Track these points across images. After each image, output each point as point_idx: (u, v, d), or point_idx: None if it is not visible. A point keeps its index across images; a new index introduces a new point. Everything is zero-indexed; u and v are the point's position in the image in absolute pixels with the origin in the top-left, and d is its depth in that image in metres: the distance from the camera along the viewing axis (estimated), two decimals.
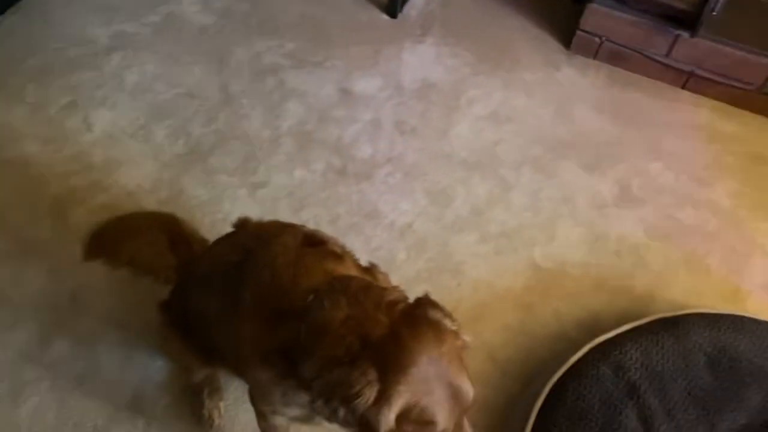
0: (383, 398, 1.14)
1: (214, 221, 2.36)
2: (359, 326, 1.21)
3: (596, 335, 2.07)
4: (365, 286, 1.31)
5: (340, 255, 1.48)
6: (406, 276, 2.27)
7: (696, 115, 2.94)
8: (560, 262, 2.43)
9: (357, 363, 1.16)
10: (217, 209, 2.40)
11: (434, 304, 1.28)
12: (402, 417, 1.15)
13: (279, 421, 1.60)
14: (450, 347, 1.21)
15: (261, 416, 1.61)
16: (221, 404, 1.97)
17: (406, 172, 2.60)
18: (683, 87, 3.01)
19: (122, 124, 2.61)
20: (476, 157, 2.68)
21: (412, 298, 1.32)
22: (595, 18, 2.96)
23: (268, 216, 1.94)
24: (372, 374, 1.14)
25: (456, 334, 1.25)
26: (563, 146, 2.76)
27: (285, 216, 2.33)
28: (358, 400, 1.14)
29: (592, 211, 2.58)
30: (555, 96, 2.94)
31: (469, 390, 1.20)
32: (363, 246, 2.33)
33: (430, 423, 1.15)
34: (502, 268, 2.40)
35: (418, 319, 1.23)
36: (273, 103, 2.74)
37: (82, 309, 2.14)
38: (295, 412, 1.46)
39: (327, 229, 1.57)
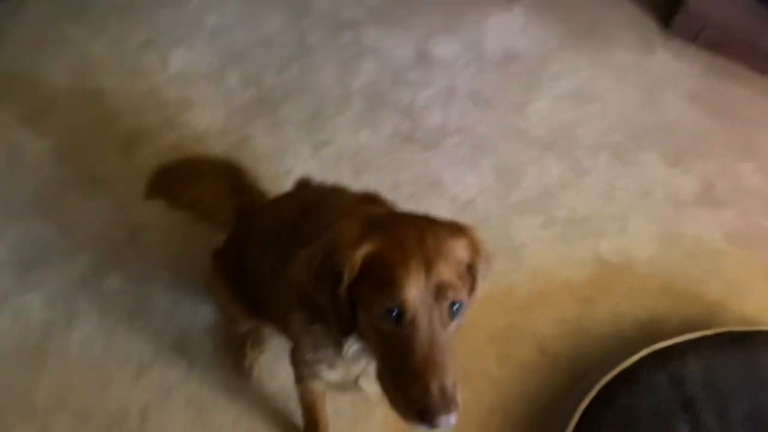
0: (356, 241, 1.11)
1: (276, 174, 2.34)
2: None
3: (655, 340, 1.95)
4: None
5: None
6: None
7: None
8: (627, 258, 2.30)
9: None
10: (280, 162, 2.38)
11: None
12: (366, 269, 1.10)
13: (317, 385, 1.58)
14: (443, 235, 1.13)
15: (299, 379, 1.59)
16: (262, 358, 1.97)
17: (475, 144, 2.50)
18: None
19: (198, 66, 2.60)
20: (552, 137, 2.54)
21: None
22: None
23: (328, 175, 1.91)
24: (357, 225, 1.14)
25: (459, 235, 1.16)
26: (647, 134, 2.59)
27: (345, 178, 2.28)
28: (335, 237, 1.13)
29: (669, 207, 2.42)
30: (646, 80, 2.74)
31: (442, 273, 1.08)
32: None
33: (388, 281, 1.07)
34: (565, 257, 2.28)
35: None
36: (347, 59, 2.67)
37: (139, 247, 2.17)
38: (330, 375, 1.43)
39: (386, 196, 1.50)
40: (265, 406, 1.94)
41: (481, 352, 2.06)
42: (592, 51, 2.81)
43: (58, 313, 2.04)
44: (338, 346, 1.29)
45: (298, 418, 1.83)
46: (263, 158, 2.38)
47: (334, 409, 1.92)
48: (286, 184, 2.31)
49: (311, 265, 1.17)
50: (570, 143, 2.54)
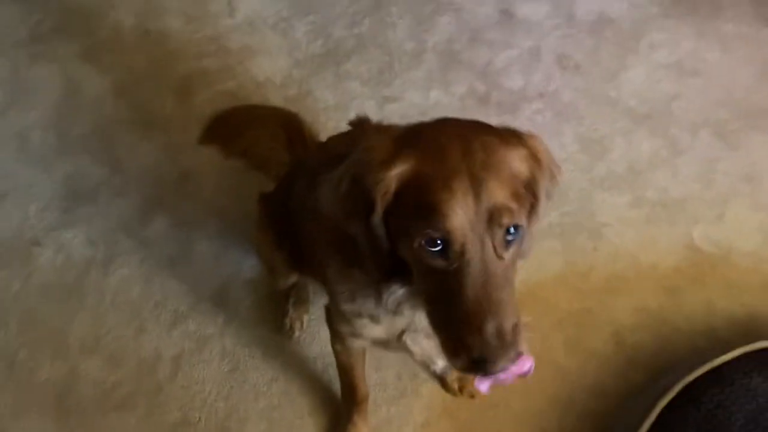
0: (388, 159, 0.92)
1: (337, 128, 2.16)
2: None
3: (753, 340, 1.67)
4: None
5: None
6: None
7: None
8: (725, 248, 2.02)
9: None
10: (342, 116, 2.22)
11: None
12: (403, 192, 0.91)
13: (356, 344, 1.40)
14: (494, 144, 0.91)
15: (337, 337, 1.42)
16: (305, 317, 1.82)
17: (558, 111, 2.26)
18: None
19: (265, 14, 2.47)
20: (646, 109, 2.28)
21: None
22: None
23: None
24: (388, 140, 0.95)
25: (515, 144, 0.95)
26: (758, 114, 2.28)
27: None
28: (362, 156, 0.95)
29: None
30: (760, 55, 2.43)
31: (494, 194, 0.88)
32: None
33: (429, 206, 0.88)
34: (652, 241, 2.02)
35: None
36: (424, 15, 2.48)
37: (187, 192, 2.06)
38: (371, 331, 1.25)
39: None
40: (304, 369, 1.79)
41: (547, 336, 1.84)
42: (698, 20, 2.51)
43: (100, 252, 1.95)
44: (378, 292, 1.10)
45: (337, 385, 1.66)
46: (325, 111, 2.24)
47: (379, 380, 1.76)
48: None
49: (338, 191, 0.98)
50: (666, 118, 2.27)
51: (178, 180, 2.08)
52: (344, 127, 2.15)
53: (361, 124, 1.63)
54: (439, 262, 0.90)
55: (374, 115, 2.17)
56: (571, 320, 1.87)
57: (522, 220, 0.91)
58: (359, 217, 0.96)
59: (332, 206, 1.01)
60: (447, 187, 0.87)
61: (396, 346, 1.26)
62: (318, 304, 1.84)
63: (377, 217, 0.94)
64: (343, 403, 1.65)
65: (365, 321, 1.22)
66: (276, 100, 2.23)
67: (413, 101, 2.27)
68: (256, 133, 1.85)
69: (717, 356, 1.63)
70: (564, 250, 2.00)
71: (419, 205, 0.89)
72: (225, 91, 2.25)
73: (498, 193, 0.88)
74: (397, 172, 0.91)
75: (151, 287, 1.89)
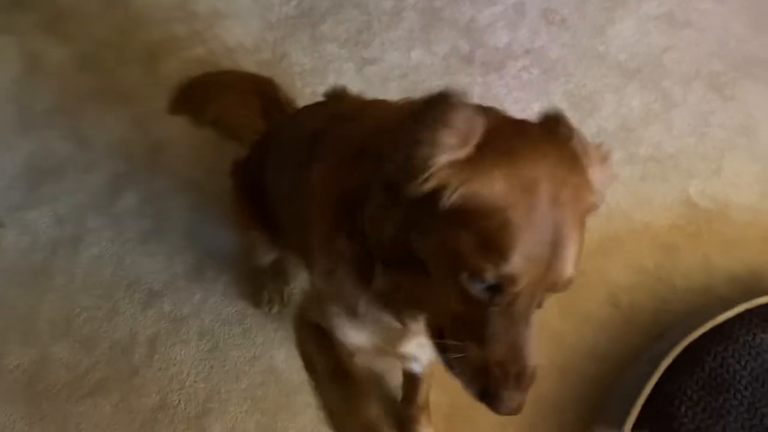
0: (465, 164, 0.78)
1: (314, 93, 2.08)
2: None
3: (755, 297, 1.61)
4: None
5: None
6: None
7: None
8: (722, 203, 1.95)
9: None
10: (319, 80, 2.11)
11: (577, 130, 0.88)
12: (467, 214, 0.78)
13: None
14: (580, 186, 0.81)
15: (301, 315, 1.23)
16: (285, 290, 1.74)
17: (545, 68, 2.16)
18: None
19: None
20: (636, 63, 2.18)
21: None
22: None
23: (373, 96, 1.63)
24: (475, 131, 0.79)
25: (591, 186, 0.84)
26: (752, 65, 2.20)
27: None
28: (433, 140, 0.78)
29: None
30: (753, 3, 2.33)
31: (568, 263, 0.80)
32: None
33: (501, 249, 0.76)
34: (647, 199, 1.95)
35: (556, 133, 0.86)
36: None
37: (158, 164, 1.95)
38: (354, 335, 1.11)
39: None
40: (287, 344, 1.70)
41: None
42: None
43: (68, 231, 1.85)
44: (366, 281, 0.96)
45: None
46: (301, 76, 2.13)
47: None
48: None
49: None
50: (657, 71, 2.18)
51: (149, 153, 1.96)
52: (323, 91, 2.08)
53: (338, 96, 1.53)
54: (481, 295, 0.80)
55: (353, 79, 2.12)
56: None
57: None
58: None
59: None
60: (527, 239, 0.76)
61: (394, 355, 1.15)
62: (299, 276, 1.75)
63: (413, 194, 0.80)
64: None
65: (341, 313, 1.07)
66: (248, 65, 2.11)
67: (394, 62, 2.16)
68: (228, 100, 1.75)
69: (718, 314, 1.57)
70: None
71: (487, 241, 0.77)
72: (194, 58, 2.12)
73: (570, 264, 0.80)
74: (472, 189, 0.78)
75: (123, 266, 1.80)
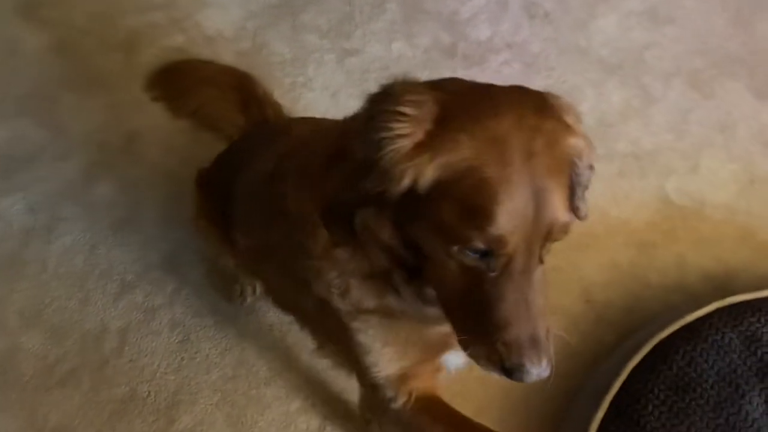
0: (428, 143, 0.77)
1: (294, 84, 2.08)
2: None
3: (727, 295, 1.61)
4: None
5: None
6: None
7: None
8: (699, 201, 1.95)
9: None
10: (299, 71, 2.10)
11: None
12: (444, 186, 0.77)
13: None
14: (555, 131, 0.79)
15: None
16: (257, 283, 1.72)
17: (527, 62, 2.16)
18: None
19: None
20: (618, 59, 2.18)
21: None
22: None
23: (354, 89, 1.74)
24: (426, 109, 0.78)
25: (574, 131, 0.83)
26: (733, 62, 2.19)
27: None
28: (390, 137, 0.77)
29: (753, 145, 2.05)
30: (734, 1, 2.33)
31: (557, 209, 0.78)
32: None
33: (482, 212, 0.75)
34: (623, 195, 1.95)
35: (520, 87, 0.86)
36: None
37: (134, 154, 1.94)
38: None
39: None
40: (259, 337, 1.70)
41: None
42: None
43: (41, 220, 1.83)
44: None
45: (296, 354, 1.57)
46: (281, 66, 2.11)
47: None
48: (306, 96, 2.06)
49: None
50: (638, 68, 2.18)
51: (124, 142, 1.95)
52: (302, 82, 2.08)
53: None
54: (477, 264, 0.79)
55: (333, 70, 2.11)
56: None
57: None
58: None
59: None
60: (506, 196, 0.75)
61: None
62: None
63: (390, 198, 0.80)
64: None
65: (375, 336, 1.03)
66: (228, 54, 2.10)
67: (375, 54, 2.15)
68: (207, 94, 1.71)
69: (690, 312, 1.57)
70: None
71: (467, 207, 0.76)
72: (173, 47, 2.10)
73: (560, 209, 0.78)
74: (442, 161, 0.76)
75: (95, 256, 1.78)
